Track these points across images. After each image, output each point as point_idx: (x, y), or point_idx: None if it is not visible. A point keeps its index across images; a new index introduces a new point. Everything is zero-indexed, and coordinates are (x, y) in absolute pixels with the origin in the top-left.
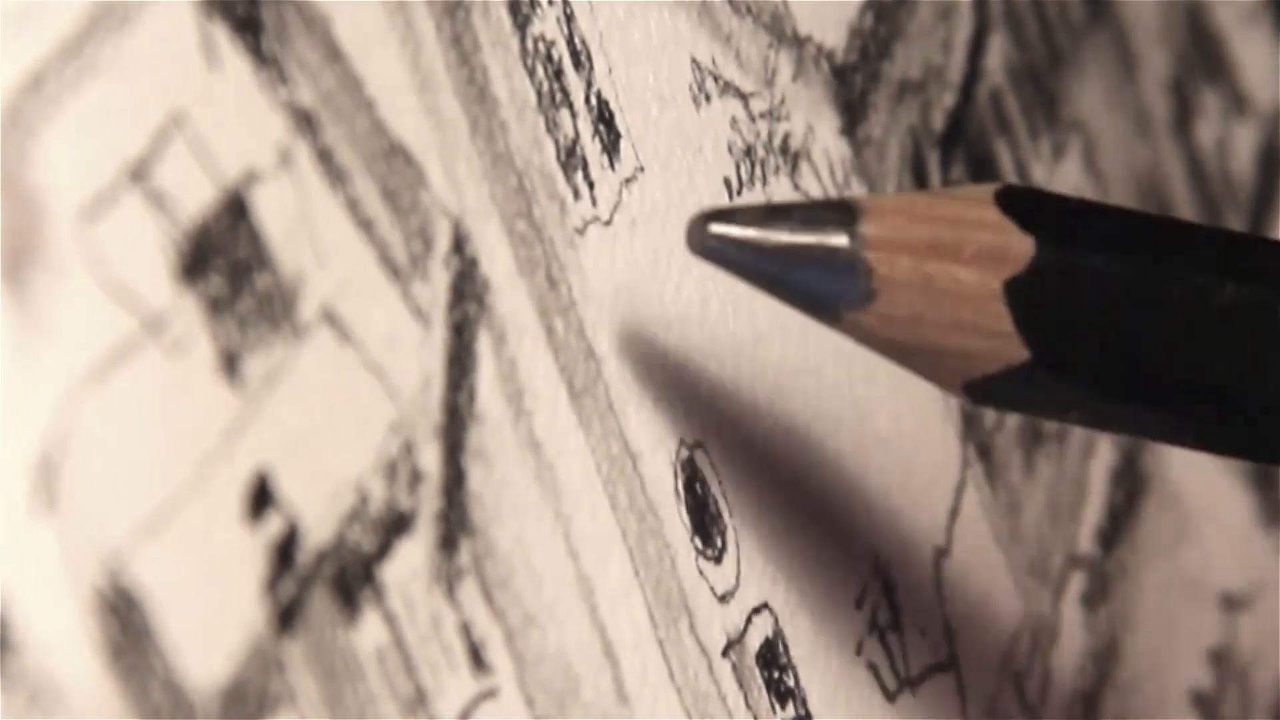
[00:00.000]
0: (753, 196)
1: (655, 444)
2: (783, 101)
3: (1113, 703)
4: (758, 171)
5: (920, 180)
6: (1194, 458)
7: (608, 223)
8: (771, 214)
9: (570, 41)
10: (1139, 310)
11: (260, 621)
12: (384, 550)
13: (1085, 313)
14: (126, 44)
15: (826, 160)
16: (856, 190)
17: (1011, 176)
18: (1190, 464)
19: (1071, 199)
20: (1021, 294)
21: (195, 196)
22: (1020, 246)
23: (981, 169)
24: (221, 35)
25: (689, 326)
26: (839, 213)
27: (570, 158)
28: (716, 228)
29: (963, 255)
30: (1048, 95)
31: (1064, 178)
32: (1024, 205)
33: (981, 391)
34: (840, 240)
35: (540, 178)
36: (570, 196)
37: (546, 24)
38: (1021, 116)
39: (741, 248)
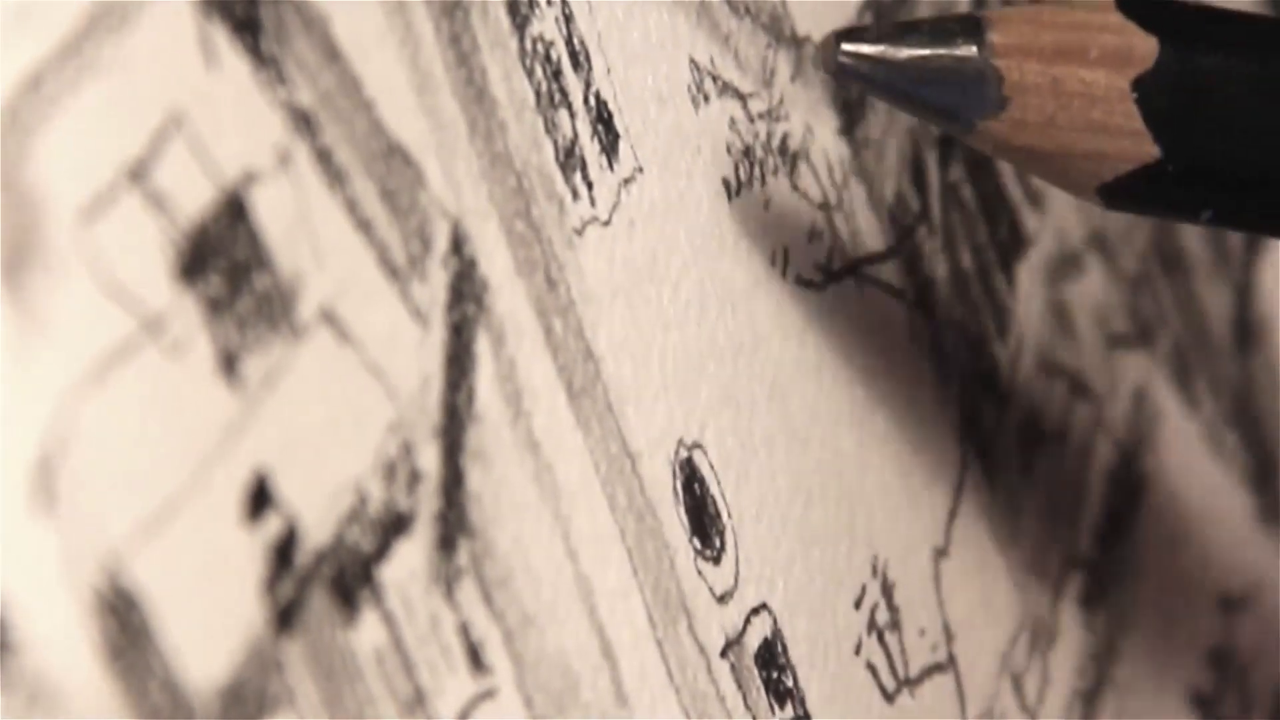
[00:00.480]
0: (751, 197)
1: (654, 444)
2: (781, 102)
3: (1111, 703)
4: (756, 172)
5: (920, 182)
6: (1193, 458)
7: (606, 223)
8: (901, 30)
9: (569, 42)
10: (1264, 102)
11: (259, 622)
12: (383, 551)
13: (1212, 108)
14: (125, 44)
15: (825, 161)
16: (858, 193)
17: (1011, 177)
18: (1190, 464)
19: (1191, 3)
20: (1150, 92)
21: (194, 197)
22: (1144, 46)
23: (980, 170)
24: (220, 35)
25: (687, 327)
26: (966, 25)
27: (569, 158)
28: (849, 45)
29: (1089, 57)
30: None
31: None
32: (1145, 8)
33: (1116, 193)
34: (969, 50)
35: (539, 178)
36: (569, 197)
37: (545, 24)
38: None
39: (874, 64)
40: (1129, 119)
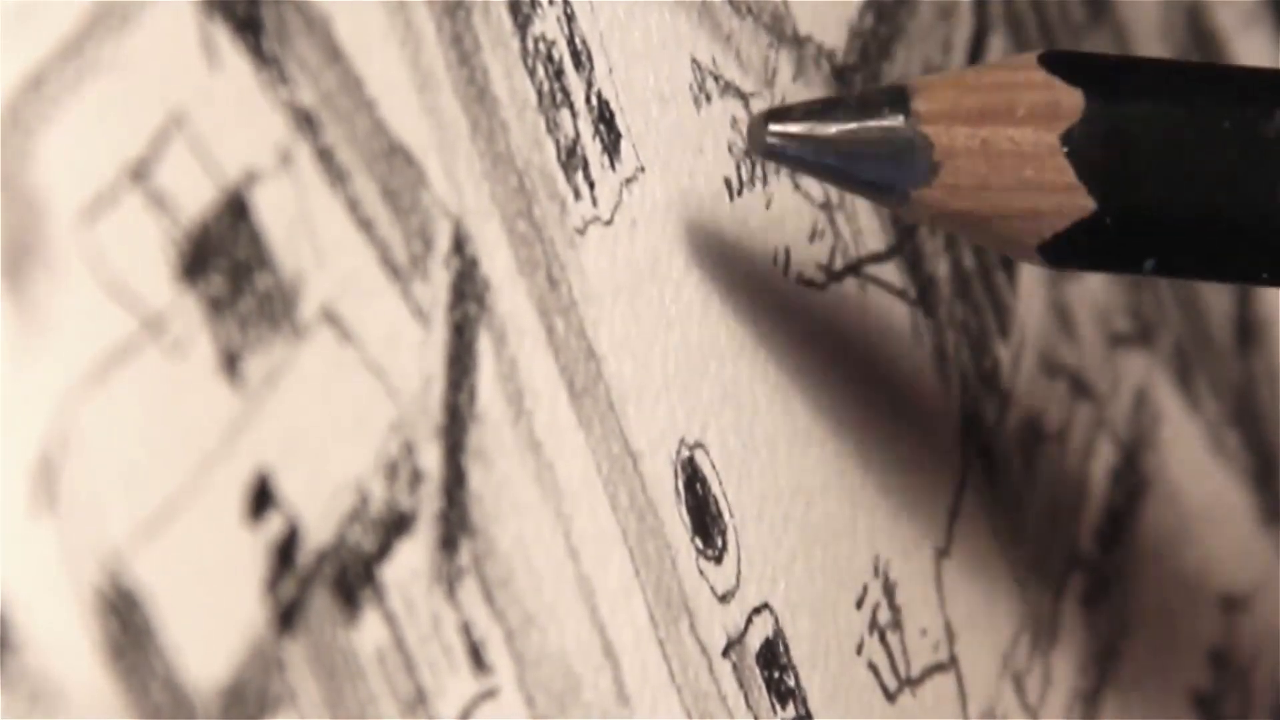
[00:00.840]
0: (753, 197)
1: (655, 444)
2: (783, 101)
3: (1113, 703)
4: (758, 171)
5: None
6: (1194, 458)
7: (608, 223)
8: (827, 106)
9: (571, 41)
10: (1193, 147)
11: (261, 621)
12: (384, 550)
13: (1143, 155)
14: (127, 44)
15: None
16: None
17: None
18: (1191, 464)
19: (1112, 55)
20: (1079, 145)
21: (196, 196)
22: (1070, 100)
23: None
24: (222, 35)
25: (689, 326)
26: (891, 95)
27: (571, 158)
28: (775, 126)
29: (1017, 116)
30: None
31: None
32: (1068, 62)
33: (1057, 252)
34: (896, 120)
35: (541, 178)
36: (571, 196)
37: (547, 24)
38: None
39: (803, 143)
40: (1061, 174)
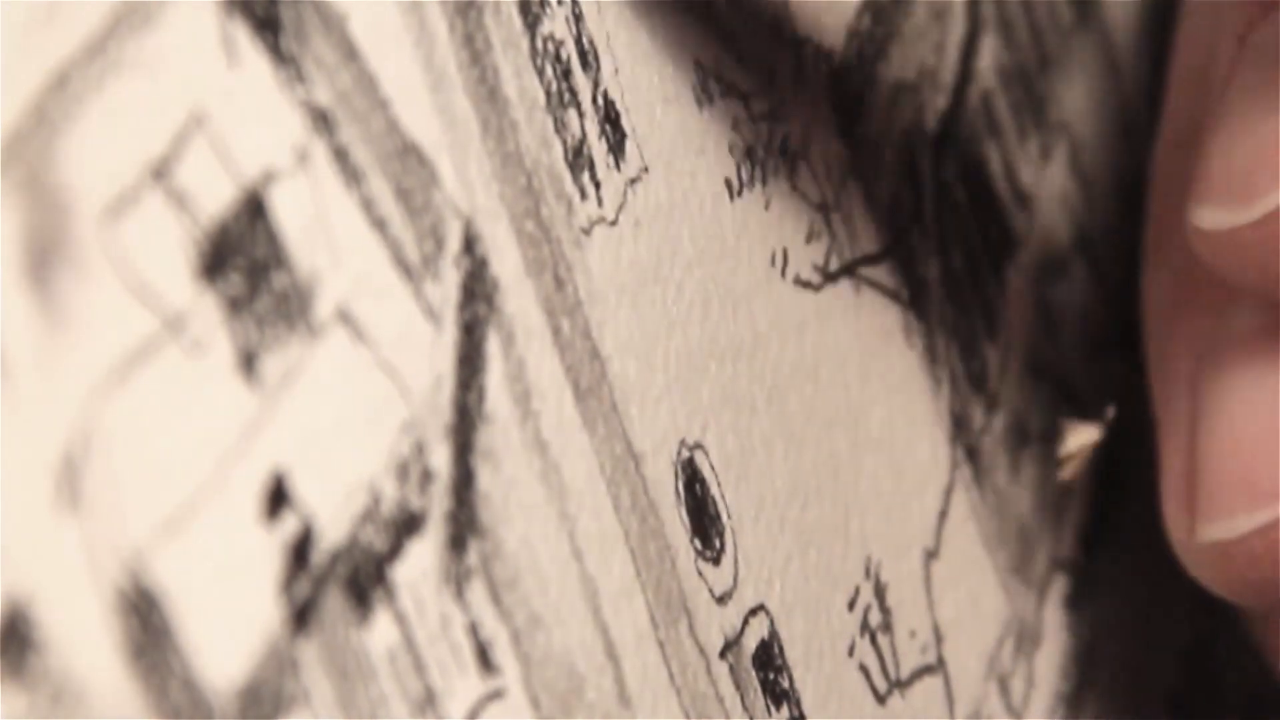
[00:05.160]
0: (753, 198)
1: (658, 445)
2: (782, 103)
3: (1092, 705)
4: (758, 172)
5: (914, 182)
6: None
7: (613, 223)
8: None
9: (578, 41)
10: None
11: (276, 622)
12: (395, 550)
13: None
14: (149, 43)
15: (824, 161)
16: (855, 194)
17: (1001, 179)
18: None
19: None
20: None
21: (215, 195)
22: None
23: (972, 171)
24: (241, 34)
25: (690, 327)
26: None
27: (577, 158)
28: None
29: None
30: (1036, 97)
31: (1051, 181)
32: None
33: None
34: None
35: (548, 177)
36: (577, 196)
37: (556, 23)
38: (1011, 119)
39: None
40: None
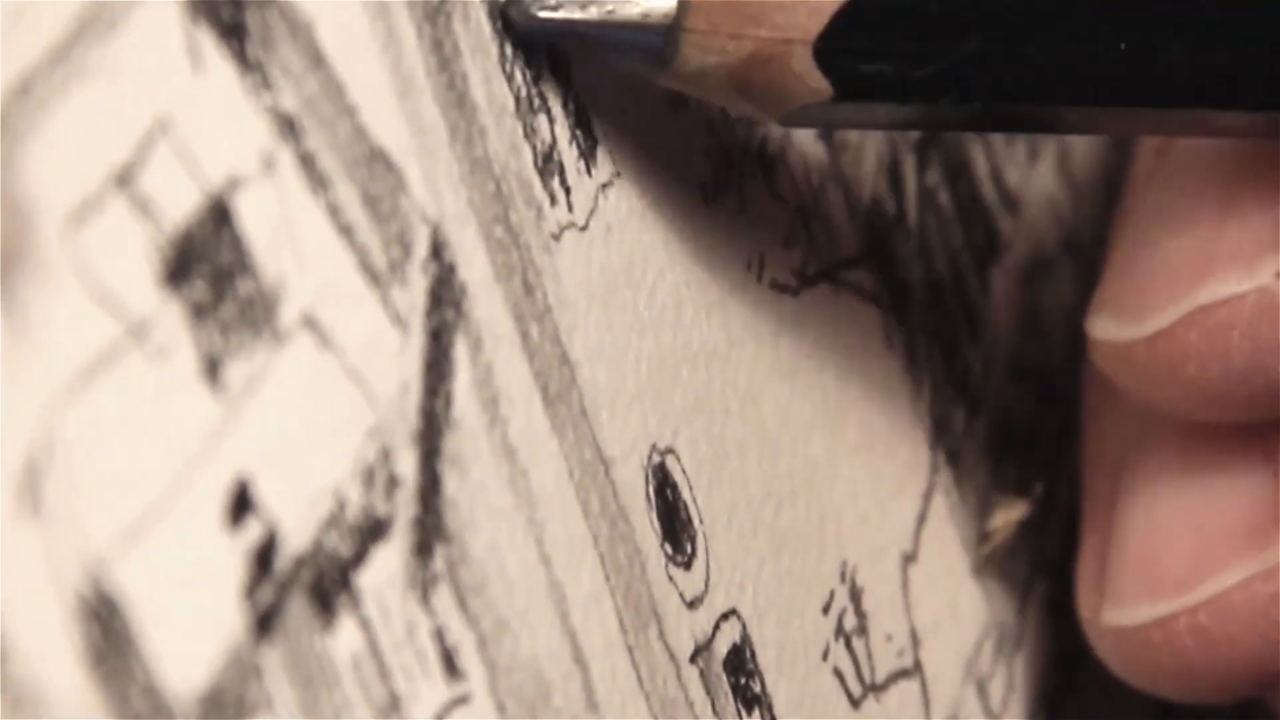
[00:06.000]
0: (729, 201)
1: (627, 450)
2: None
3: (1074, 708)
4: (733, 176)
5: (896, 186)
6: None
7: (583, 228)
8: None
9: (550, 46)
10: None
11: (239, 628)
12: (360, 556)
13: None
14: (113, 49)
15: (802, 164)
16: (835, 197)
17: (986, 181)
18: None
19: None
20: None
21: (180, 202)
22: None
23: (957, 174)
24: (207, 40)
25: (662, 332)
26: None
27: (547, 163)
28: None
29: None
30: None
31: (1038, 183)
32: None
33: (829, 52)
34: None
35: (517, 183)
36: (547, 202)
37: None
38: None
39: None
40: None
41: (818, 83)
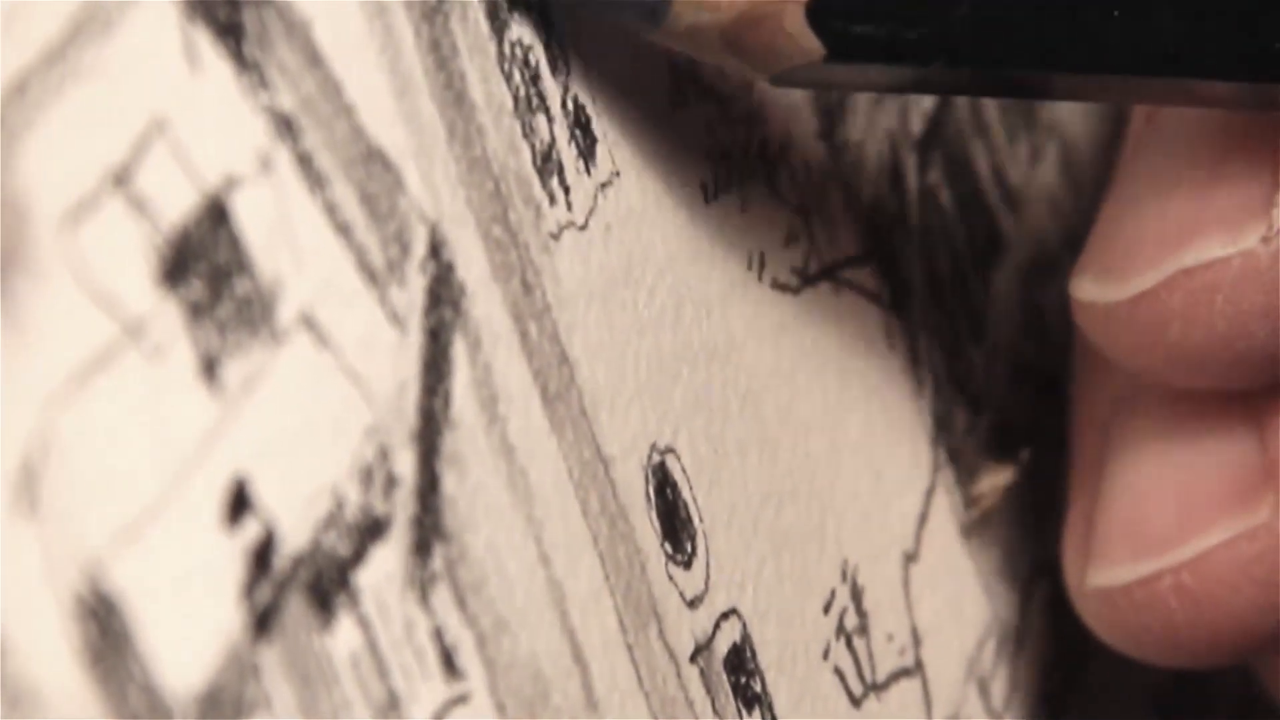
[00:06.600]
0: (729, 200)
1: (627, 449)
2: (761, 105)
3: (1076, 708)
4: (734, 175)
5: (898, 185)
6: None
7: (583, 228)
8: None
9: (548, 46)
10: None
11: (237, 627)
12: (359, 555)
13: None
14: (109, 49)
15: (803, 164)
16: (836, 196)
17: (989, 181)
18: None
19: None
20: None
21: (176, 201)
22: None
23: (958, 173)
24: (203, 40)
25: (662, 331)
26: None
27: (546, 162)
28: None
29: None
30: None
31: (1041, 182)
32: None
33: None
34: None
35: (516, 182)
36: (546, 201)
37: (524, 28)
38: (1000, 120)
39: None
40: None
41: (810, 43)
